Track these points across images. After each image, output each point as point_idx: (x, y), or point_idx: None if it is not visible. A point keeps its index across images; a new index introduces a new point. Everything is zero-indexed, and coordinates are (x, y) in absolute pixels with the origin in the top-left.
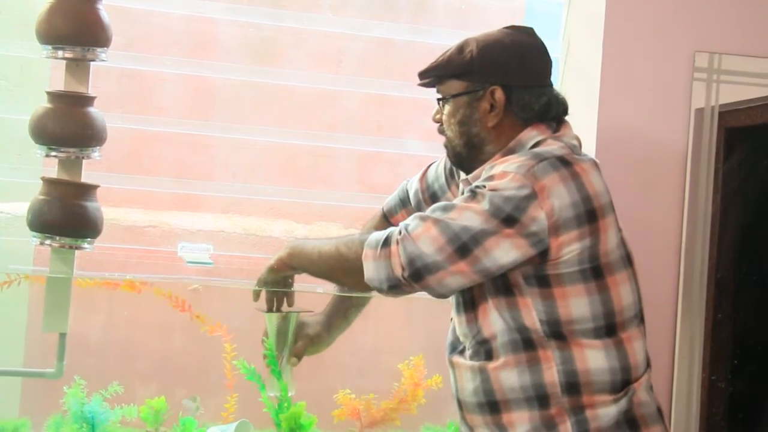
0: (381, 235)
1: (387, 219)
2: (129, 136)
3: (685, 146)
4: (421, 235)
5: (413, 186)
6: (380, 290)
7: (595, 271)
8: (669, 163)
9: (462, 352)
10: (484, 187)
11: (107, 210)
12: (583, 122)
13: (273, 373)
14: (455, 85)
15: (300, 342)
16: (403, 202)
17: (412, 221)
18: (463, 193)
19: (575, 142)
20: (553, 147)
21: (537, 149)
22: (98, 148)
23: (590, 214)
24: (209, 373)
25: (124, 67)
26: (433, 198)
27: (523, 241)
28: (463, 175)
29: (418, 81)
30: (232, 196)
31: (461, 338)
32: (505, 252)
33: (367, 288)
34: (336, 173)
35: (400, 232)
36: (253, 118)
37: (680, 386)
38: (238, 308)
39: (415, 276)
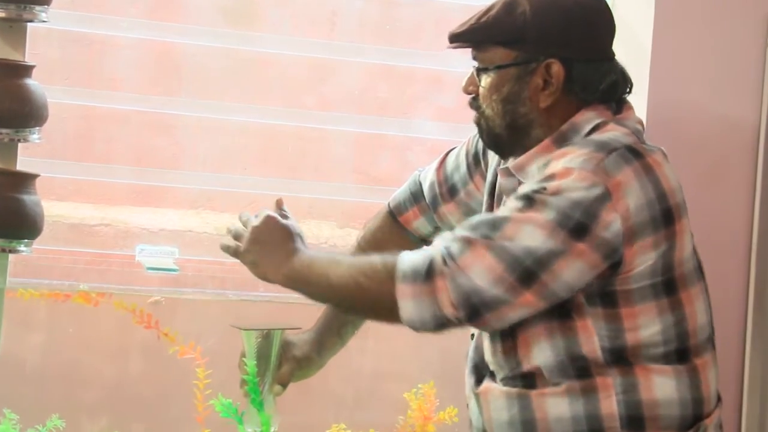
0: (417, 263)
1: (394, 217)
2: (75, 115)
3: (758, 126)
4: (473, 264)
5: (428, 177)
6: (422, 330)
7: (667, 285)
8: (737, 146)
9: (492, 376)
10: (544, 189)
11: (49, 205)
12: (630, 97)
13: (253, 403)
14: (501, 54)
15: (285, 366)
16: (415, 197)
17: (454, 244)
18: (495, 187)
19: (639, 127)
20: (617, 134)
21: (600, 137)
22: (38, 129)
23: (666, 215)
24: (175, 404)
25: (69, 30)
26: (452, 192)
27: (596, 256)
28: (492, 158)
29: (448, 44)
30: (202, 189)
31: (491, 366)
32: (577, 273)
33: (397, 322)
34: (329, 161)
35: (444, 261)
36: (227, 94)
37: (750, 425)
38: (208, 325)
39: (471, 315)
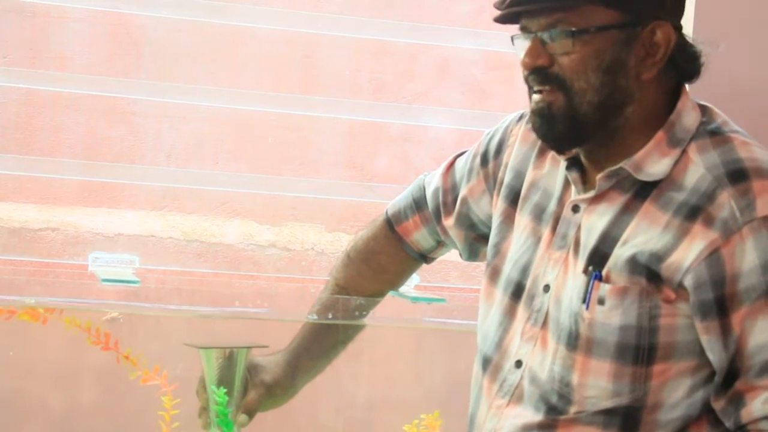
0: None
1: (392, 228)
2: (17, 99)
3: None
4: None
5: (433, 182)
6: None
7: None
8: None
9: (563, 411)
10: None
11: None
12: None
13: None
14: (601, 14)
15: (252, 392)
16: (418, 204)
17: None
18: (520, 192)
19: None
20: (743, 133)
21: (746, 138)
22: None
23: None
24: None
25: None
26: (457, 202)
27: None
28: (514, 157)
29: (516, 7)
30: (166, 186)
31: (575, 389)
32: None
33: None
34: (316, 153)
35: None
36: (195, 75)
37: None
38: (174, 346)
39: None
